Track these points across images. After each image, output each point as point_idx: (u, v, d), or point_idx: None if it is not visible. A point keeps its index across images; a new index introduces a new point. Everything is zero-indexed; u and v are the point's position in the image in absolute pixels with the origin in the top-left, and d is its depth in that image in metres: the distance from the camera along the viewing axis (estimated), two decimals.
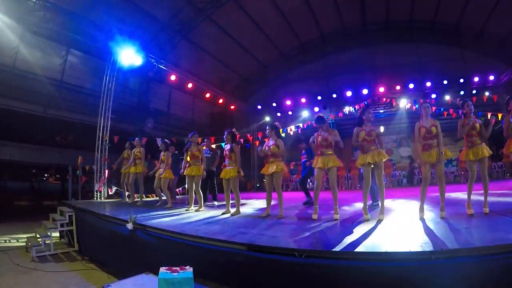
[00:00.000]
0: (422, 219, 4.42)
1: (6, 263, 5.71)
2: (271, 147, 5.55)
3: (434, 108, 13.82)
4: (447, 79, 15.95)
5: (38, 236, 6.65)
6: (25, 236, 7.30)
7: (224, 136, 6.28)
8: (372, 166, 4.79)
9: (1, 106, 10.93)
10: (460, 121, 4.84)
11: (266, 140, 5.87)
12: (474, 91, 15.30)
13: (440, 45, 16.47)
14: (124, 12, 12.20)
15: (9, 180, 19.71)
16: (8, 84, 10.89)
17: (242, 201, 8.50)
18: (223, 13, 14.31)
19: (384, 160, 4.75)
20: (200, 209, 6.65)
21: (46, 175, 25.25)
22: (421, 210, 4.61)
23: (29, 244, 6.40)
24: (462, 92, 15.49)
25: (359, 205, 6.72)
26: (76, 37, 11.75)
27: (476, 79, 15.64)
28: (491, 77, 15.43)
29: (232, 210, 6.06)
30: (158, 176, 7.59)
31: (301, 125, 15.76)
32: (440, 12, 15.46)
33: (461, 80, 15.77)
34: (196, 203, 6.86)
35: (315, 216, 5.00)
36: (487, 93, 14.65)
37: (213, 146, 10.11)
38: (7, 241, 7.43)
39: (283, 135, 15.75)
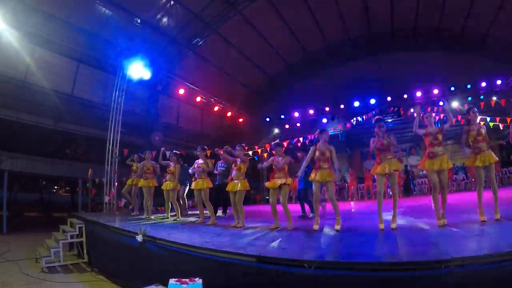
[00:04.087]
0: (438, 227, 4.35)
1: (16, 273, 5.75)
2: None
3: (442, 115, 13.75)
4: (454, 85, 15.89)
5: (48, 247, 6.71)
6: (35, 247, 7.35)
7: (236, 151, 6.30)
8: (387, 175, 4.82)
9: (12, 119, 11.16)
10: (465, 128, 4.85)
11: (273, 153, 5.92)
12: (481, 97, 15.19)
13: (446, 51, 16.41)
14: (133, 28, 12.49)
15: (19, 191, 19.90)
16: (19, 97, 11.11)
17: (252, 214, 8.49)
18: (230, 27, 14.53)
19: (398, 170, 4.77)
20: (213, 223, 6.51)
21: (56, 187, 25.47)
22: (438, 218, 4.55)
23: (39, 254, 6.46)
24: (469, 98, 15.38)
25: (366, 216, 6.69)
26: (86, 52, 12.01)
27: (483, 84, 15.56)
28: (498, 82, 15.32)
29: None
30: (166, 189, 7.50)
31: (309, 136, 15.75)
32: (445, 19, 15.48)
33: (468, 86, 15.69)
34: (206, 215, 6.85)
35: (316, 227, 5.05)
36: (494, 98, 14.53)
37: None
38: (18, 252, 7.50)
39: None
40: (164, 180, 7.64)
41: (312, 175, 5.23)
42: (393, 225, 4.59)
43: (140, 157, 8.68)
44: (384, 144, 4.82)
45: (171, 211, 7.88)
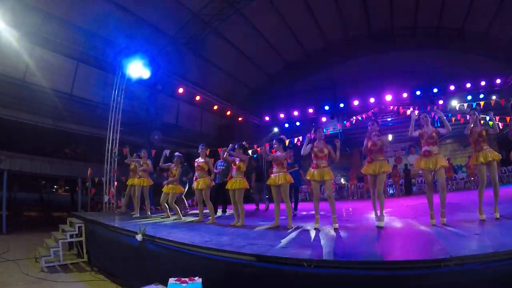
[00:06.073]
0: (433, 226, 4.37)
1: (16, 273, 5.76)
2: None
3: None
4: (454, 84, 15.89)
5: (47, 246, 6.70)
6: (34, 246, 7.35)
7: (236, 149, 6.31)
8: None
9: (11, 118, 11.11)
10: (468, 126, 4.90)
11: (273, 152, 5.96)
12: (481, 95, 15.21)
13: (446, 50, 16.40)
14: (132, 27, 12.48)
15: (19, 191, 19.90)
16: (18, 96, 11.06)
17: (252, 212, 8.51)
18: (229, 25, 14.50)
19: (387, 172, 4.87)
20: (213, 222, 6.51)
21: (55, 186, 25.50)
22: (432, 217, 4.57)
23: (39, 254, 6.46)
24: (469, 97, 15.39)
25: (366, 215, 6.70)
26: (85, 51, 11.98)
27: (482, 83, 15.57)
28: (498, 81, 15.34)
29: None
30: (165, 190, 7.45)
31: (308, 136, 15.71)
32: (445, 17, 15.48)
33: (468, 85, 15.69)
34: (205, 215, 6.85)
35: (316, 225, 5.07)
36: (494, 97, 14.52)
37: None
38: (17, 251, 7.49)
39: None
40: (166, 182, 7.54)
41: (310, 174, 5.25)
42: (381, 224, 4.64)
43: (138, 156, 8.69)
44: (377, 144, 4.87)
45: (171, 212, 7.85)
